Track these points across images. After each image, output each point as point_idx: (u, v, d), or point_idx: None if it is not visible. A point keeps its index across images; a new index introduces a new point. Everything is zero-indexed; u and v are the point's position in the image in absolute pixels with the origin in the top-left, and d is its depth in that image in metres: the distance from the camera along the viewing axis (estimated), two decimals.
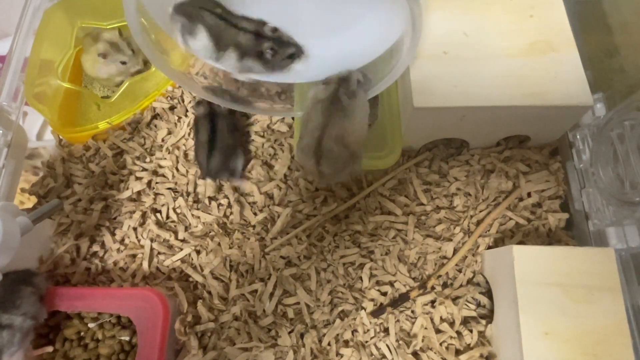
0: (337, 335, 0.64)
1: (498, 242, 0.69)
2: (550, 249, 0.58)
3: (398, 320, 0.65)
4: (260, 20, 0.60)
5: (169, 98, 0.80)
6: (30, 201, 0.77)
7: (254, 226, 0.71)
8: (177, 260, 0.70)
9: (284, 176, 0.74)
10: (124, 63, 0.80)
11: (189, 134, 0.78)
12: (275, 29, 0.60)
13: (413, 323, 0.64)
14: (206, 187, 0.73)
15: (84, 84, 0.86)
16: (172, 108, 0.80)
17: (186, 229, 0.72)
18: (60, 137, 0.81)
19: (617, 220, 0.63)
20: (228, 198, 0.72)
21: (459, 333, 0.63)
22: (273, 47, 0.59)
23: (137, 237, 0.72)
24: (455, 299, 0.65)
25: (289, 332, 0.64)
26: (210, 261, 0.69)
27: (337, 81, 0.57)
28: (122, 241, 0.72)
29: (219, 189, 0.73)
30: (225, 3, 0.60)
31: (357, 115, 0.58)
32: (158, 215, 0.73)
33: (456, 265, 0.68)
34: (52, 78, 0.80)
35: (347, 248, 0.69)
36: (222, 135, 0.70)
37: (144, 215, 0.73)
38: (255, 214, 0.72)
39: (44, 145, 0.84)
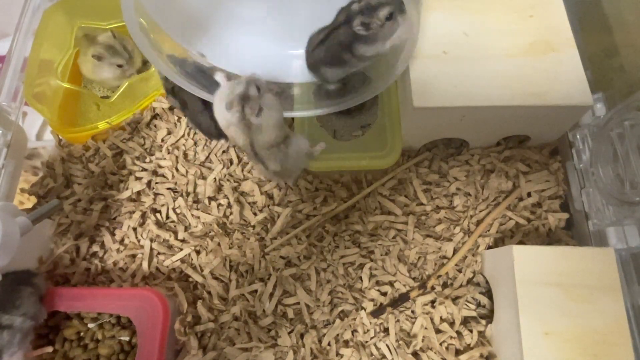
0: (337, 335, 0.64)
1: (498, 242, 0.69)
2: (550, 249, 0.58)
3: (398, 320, 0.65)
4: (351, 1, 0.56)
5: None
6: (30, 201, 0.77)
7: (253, 226, 0.71)
8: (177, 260, 0.70)
9: None
10: (120, 66, 0.80)
11: (188, 134, 0.78)
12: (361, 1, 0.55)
13: (413, 323, 0.64)
14: (206, 187, 0.73)
15: (83, 84, 0.86)
16: (171, 108, 0.80)
17: (186, 229, 0.72)
18: (60, 137, 0.81)
19: (617, 220, 0.63)
20: (228, 198, 0.72)
21: (459, 333, 0.63)
22: (362, 20, 0.54)
23: (136, 237, 0.72)
24: (455, 299, 0.65)
25: (289, 332, 0.64)
26: (210, 261, 0.69)
27: (239, 102, 0.53)
28: (121, 241, 0.72)
29: (219, 189, 0.73)
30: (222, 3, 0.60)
31: (269, 119, 0.56)
32: (158, 215, 0.73)
33: (456, 265, 0.68)
34: (52, 78, 0.80)
35: (347, 248, 0.69)
36: None
37: (143, 216, 0.73)
38: (255, 214, 0.72)
39: (44, 146, 0.84)
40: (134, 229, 0.72)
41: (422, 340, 0.63)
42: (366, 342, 0.64)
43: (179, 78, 0.62)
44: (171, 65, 0.62)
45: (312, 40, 0.62)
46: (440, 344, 0.63)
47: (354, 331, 0.65)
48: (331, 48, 0.60)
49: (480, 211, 0.70)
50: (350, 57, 0.59)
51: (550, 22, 0.65)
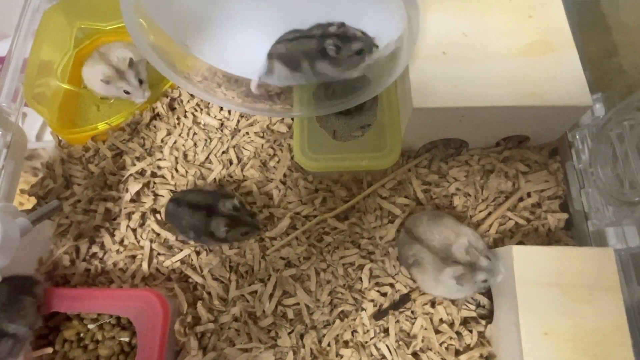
0: (337, 335, 0.64)
1: (498, 243, 0.69)
2: (549, 249, 0.58)
3: (398, 321, 0.65)
4: (330, 22, 0.59)
5: (168, 99, 0.80)
6: (30, 202, 0.77)
7: None
8: (177, 261, 0.70)
9: (283, 176, 0.74)
10: (127, 93, 0.76)
11: (187, 134, 0.78)
12: (341, 24, 0.58)
13: (413, 323, 0.64)
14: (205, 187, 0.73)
15: (83, 85, 0.86)
16: (171, 109, 0.80)
17: None
18: (60, 138, 0.81)
19: (616, 220, 0.63)
20: None
21: (458, 333, 0.63)
22: (336, 43, 0.57)
23: (136, 238, 0.72)
24: (454, 300, 0.65)
25: (289, 333, 0.64)
26: (210, 262, 0.69)
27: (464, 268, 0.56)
28: (121, 242, 0.72)
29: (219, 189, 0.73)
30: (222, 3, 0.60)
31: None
32: (157, 216, 0.73)
33: None
34: (52, 79, 0.80)
35: (347, 249, 0.69)
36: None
37: (143, 216, 0.73)
38: (254, 214, 0.72)
39: (44, 146, 0.84)
40: (134, 230, 0.72)
41: (422, 341, 0.63)
42: (366, 342, 0.64)
43: (180, 80, 0.62)
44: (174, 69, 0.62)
45: (282, 36, 0.64)
46: (440, 345, 0.63)
47: (353, 332, 0.65)
48: (295, 50, 0.61)
49: (480, 211, 0.70)
50: (308, 67, 0.61)
51: (550, 23, 0.65)
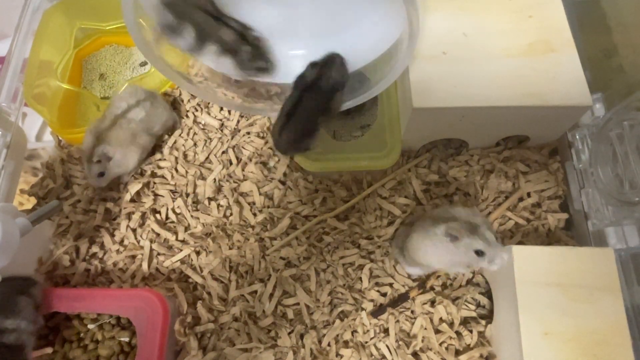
0: (337, 335, 0.64)
1: None
2: (549, 249, 0.58)
3: (398, 321, 0.65)
4: (249, 26, 0.60)
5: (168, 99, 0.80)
6: (30, 202, 0.77)
7: (253, 227, 0.71)
8: (177, 261, 0.70)
9: (283, 176, 0.74)
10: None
11: (187, 134, 0.78)
12: (258, 39, 0.60)
13: (413, 323, 0.64)
14: (205, 187, 0.73)
15: (83, 85, 0.86)
16: (172, 108, 0.80)
17: (186, 229, 0.72)
18: (60, 138, 0.81)
19: (616, 220, 0.63)
20: (227, 199, 0.72)
21: (458, 333, 0.63)
22: (252, 52, 0.59)
23: (136, 238, 0.72)
24: (454, 299, 0.65)
25: (289, 333, 0.64)
26: (210, 262, 0.69)
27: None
28: (121, 242, 0.72)
29: (218, 189, 0.73)
30: (223, 3, 0.60)
31: None
32: (157, 216, 0.73)
33: None
34: (52, 79, 0.80)
35: (347, 249, 0.69)
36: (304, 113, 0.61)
37: (143, 216, 0.73)
38: (254, 214, 0.72)
39: (43, 146, 0.84)
40: (134, 230, 0.72)
41: (422, 341, 0.63)
42: (366, 342, 0.64)
43: (180, 80, 0.62)
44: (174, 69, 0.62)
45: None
46: (440, 345, 0.63)
47: (353, 332, 0.65)
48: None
49: (480, 211, 0.70)
50: (215, 52, 0.60)
51: (550, 23, 0.65)
